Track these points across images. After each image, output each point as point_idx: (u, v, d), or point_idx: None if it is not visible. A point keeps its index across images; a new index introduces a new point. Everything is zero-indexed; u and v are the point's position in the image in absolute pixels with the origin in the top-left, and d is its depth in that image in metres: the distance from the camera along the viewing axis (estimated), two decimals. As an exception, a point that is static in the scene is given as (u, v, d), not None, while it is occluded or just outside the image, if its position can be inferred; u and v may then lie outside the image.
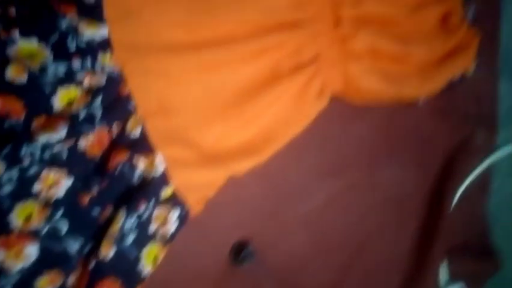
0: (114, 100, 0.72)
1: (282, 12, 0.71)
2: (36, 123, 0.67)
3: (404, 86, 0.76)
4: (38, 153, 0.66)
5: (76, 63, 0.69)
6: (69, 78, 0.68)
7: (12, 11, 0.64)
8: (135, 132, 0.73)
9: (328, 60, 0.74)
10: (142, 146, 0.73)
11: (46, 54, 0.68)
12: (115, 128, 0.72)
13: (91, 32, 0.69)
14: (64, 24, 0.66)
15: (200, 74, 0.71)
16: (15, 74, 0.66)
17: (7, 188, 0.64)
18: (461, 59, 0.75)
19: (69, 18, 0.66)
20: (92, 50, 0.70)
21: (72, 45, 0.69)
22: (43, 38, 0.66)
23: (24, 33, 0.64)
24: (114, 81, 0.71)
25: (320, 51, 0.73)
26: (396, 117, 0.84)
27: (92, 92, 0.70)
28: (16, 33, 0.65)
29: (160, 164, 0.74)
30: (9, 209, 0.64)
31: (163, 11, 0.69)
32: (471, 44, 0.76)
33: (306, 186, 0.82)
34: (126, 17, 0.69)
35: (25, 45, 0.65)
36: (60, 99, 0.69)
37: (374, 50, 0.74)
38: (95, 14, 0.68)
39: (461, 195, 0.84)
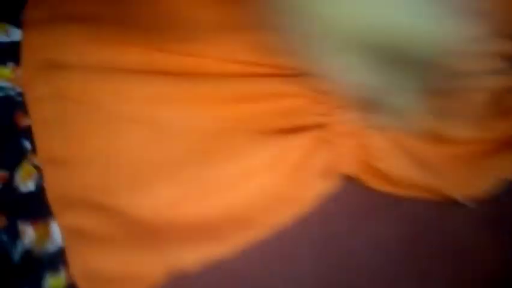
0: (4, 131, 0.54)
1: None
2: None
3: (440, 175, 0.55)
4: None
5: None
6: None
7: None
8: (26, 185, 0.54)
9: (340, 126, 0.55)
10: (34, 207, 0.53)
11: None
12: None
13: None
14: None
15: (146, 107, 0.54)
16: None
17: None
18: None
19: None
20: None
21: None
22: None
23: None
24: (8, 103, 0.54)
25: (329, 110, 0.55)
26: (428, 220, 0.58)
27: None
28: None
29: (56, 237, 0.53)
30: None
31: None
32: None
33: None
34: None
35: None
36: None
37: None
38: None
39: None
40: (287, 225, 0.55)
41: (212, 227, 0.54)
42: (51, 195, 0.53)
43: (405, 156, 0.55)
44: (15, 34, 0.55)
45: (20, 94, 0.54)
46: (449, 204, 0.56)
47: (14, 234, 0.52)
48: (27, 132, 0.53)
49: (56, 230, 0.52)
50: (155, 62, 0.54)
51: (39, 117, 0.53)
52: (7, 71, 0.54)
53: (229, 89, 0.54)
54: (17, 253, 0.52)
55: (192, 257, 0.53)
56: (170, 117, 0.54)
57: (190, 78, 0.54)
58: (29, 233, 0.53)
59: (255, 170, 0.54)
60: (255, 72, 0.54)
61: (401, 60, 0.47)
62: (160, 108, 0.54)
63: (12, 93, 0.54)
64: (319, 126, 0.55)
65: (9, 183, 0.53)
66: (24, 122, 0.54)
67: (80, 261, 0.52)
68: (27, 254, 0.52)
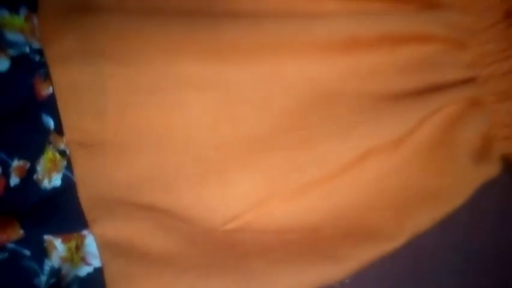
0: (21, 105, 0.43)
1: None
2: None
3: None
4: None
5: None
6: None
7: None
8: (50, 179, 0.43)
9: (496, 81, 0.44)
10: (62, 212, 0.42)
11: None
12: (14, 165, 0.42)
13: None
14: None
15: (218, 64, 0.43)
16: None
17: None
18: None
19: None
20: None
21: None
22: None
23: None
24: (23, 65, 0.43)
25: (481, 58, 0.45)
26: None
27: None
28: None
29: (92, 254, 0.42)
30: None
31: None
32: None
33: None
34: None
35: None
36: None
37: None
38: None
39: None
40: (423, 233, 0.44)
41: (313, 238, 0.43)
42: (84, 194, 0.42)
43: None
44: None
45: (39, 51, 0.43)
46: None
47: (39, 251, 0.42)
48: (50, 105, 0.43)
49: (92, 244, 0.42)
50: (221, 1, 0.44)
51: (65, 83, 0.43)
52: (19, 19, 0.43)
53: (343, 32, 0.43)
54: (43, 277, 0.42)
55: (290, 284, 0.41)
56: (253, 77, 0.44)
57: (272, 21, 0.43)
58: (58, 249, 0.42)
59: (374, 150, 0.44)
60: (365, 7, 0.44)
61: None
62: (238, 64, 0.43)
63: (27, 50, 0.44)
64: (466, 82, 0.45)
65: (29, 177, 0.42)
66: (44, 90, 0.44)
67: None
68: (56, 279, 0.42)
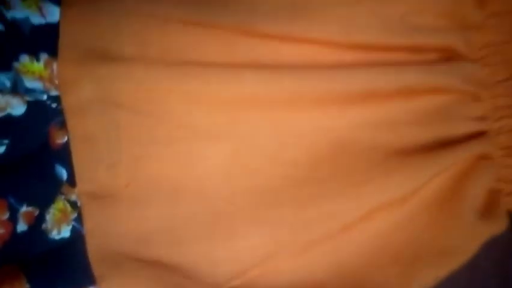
0: (34, 152, 0.42)
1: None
2: None
3: None
4: None
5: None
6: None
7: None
8: (59, 230, 0.42)
9: (507, 136, 0.44)
10: (69, 266, 0.41)
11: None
12: (23, 215, 0.41)
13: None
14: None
15: (230, 116, 0.43)
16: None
17: None
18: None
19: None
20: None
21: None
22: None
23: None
24: (39, 112, 0.42)
25: (492, 111, 0.44)
26: None
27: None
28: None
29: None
30: None
31: None
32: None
33: None
34: None
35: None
36: None
37: None
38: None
39: None
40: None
41: None
42: (93, 247, 0.41)
43: None
44: (54, 13, 0.43)
45: (56, 98, 0.42)
46: None
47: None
48: (63, 155, 0.42)
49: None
50: (242, 52, 0.43)
51: (80, 132, 0.42)
52: (39, 65, 0.42)
53: (361, 84, 0.42)
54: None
55: None
56: (267, 127, 0.43)
57: (293, 73, 0.43)
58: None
59: (381, 206, 0.43)
60: (383, 58, 0.43)
61: None
62: (251, 117, 0.43)
63: (44, 97, 0.43)
64: (477, 136, 0.44)
65: (37, 225, 0.41)
66: (59, 139, 0.43)
67: None
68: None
